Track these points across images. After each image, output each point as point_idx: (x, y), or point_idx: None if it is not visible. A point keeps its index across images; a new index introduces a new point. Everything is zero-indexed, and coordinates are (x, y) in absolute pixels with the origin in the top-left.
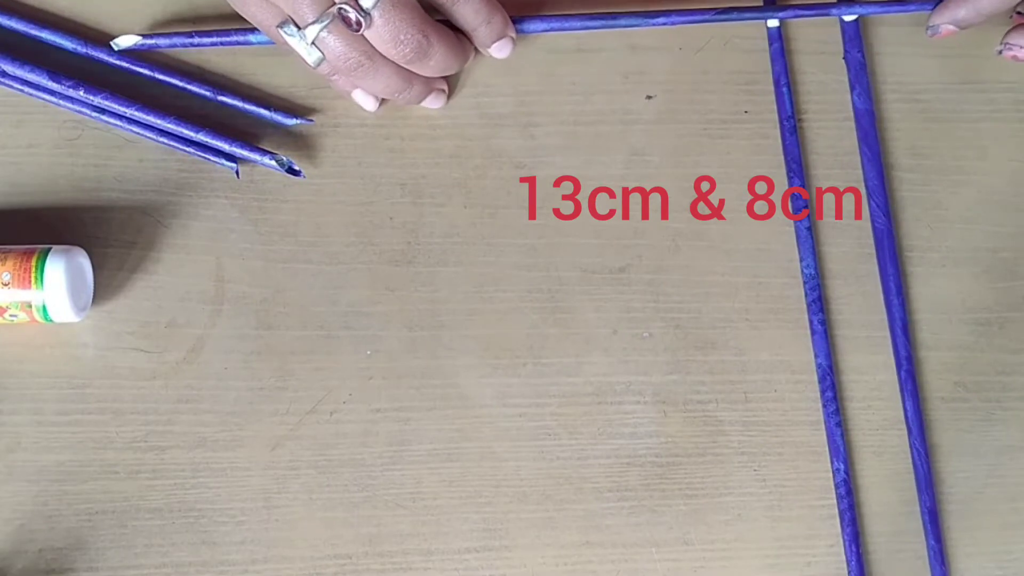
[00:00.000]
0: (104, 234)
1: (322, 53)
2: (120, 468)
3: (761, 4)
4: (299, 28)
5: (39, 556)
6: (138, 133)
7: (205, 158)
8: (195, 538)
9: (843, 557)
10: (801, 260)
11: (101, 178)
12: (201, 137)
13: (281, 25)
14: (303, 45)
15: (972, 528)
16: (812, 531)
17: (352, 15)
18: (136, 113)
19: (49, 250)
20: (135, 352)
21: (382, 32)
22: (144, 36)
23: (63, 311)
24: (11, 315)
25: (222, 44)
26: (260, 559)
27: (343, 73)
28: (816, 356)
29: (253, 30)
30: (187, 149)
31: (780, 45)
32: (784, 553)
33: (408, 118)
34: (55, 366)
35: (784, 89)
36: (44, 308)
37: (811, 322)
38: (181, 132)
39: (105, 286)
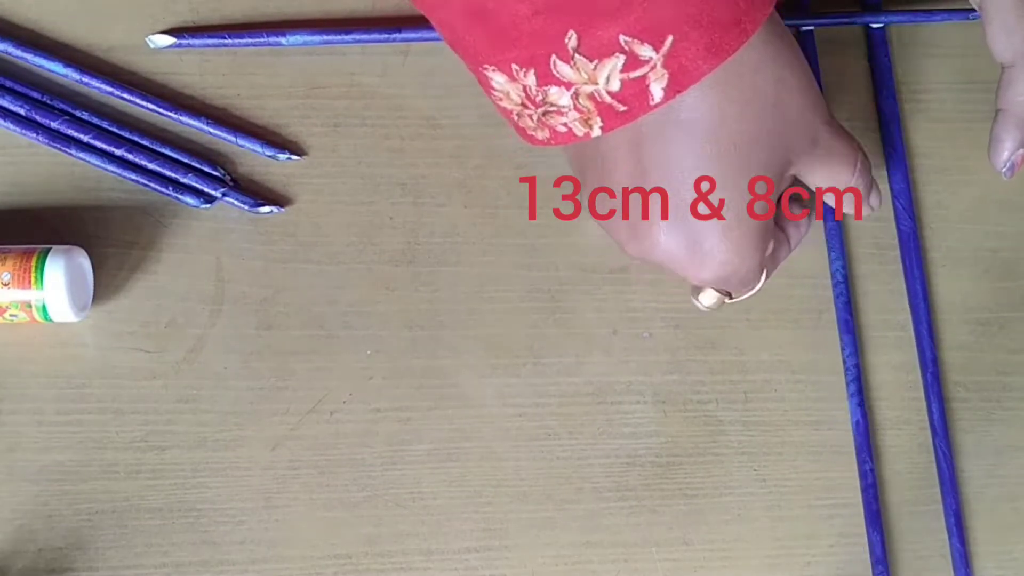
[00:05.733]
0: (104, 234)
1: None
2: (120, 468)
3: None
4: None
5: (39, 556)
6: (97, 166)
7: (175, 197)
8: (195, 538)
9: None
10: (832, 263)
11: (101, 178)
12: (169, 174)
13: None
14: (700, 306)
15: (971, 528)
16: (812, 531)
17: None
18: (95, 142)
19: (49, 250)
20: (135, 352)
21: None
22: (178, 37)
23: (63, 311)
24: (11, 315)
25: (254, 45)
26: (260, 559)
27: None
28: (844, 351)
29: (284, 32)
30: (153, 185)
31: None
32: (784, 553)
33: (408, 118)
34: (55, 366)
35: None
36: (44, 308)
37: (840, 320)
38: (145, 165)
39: (105, 286)
